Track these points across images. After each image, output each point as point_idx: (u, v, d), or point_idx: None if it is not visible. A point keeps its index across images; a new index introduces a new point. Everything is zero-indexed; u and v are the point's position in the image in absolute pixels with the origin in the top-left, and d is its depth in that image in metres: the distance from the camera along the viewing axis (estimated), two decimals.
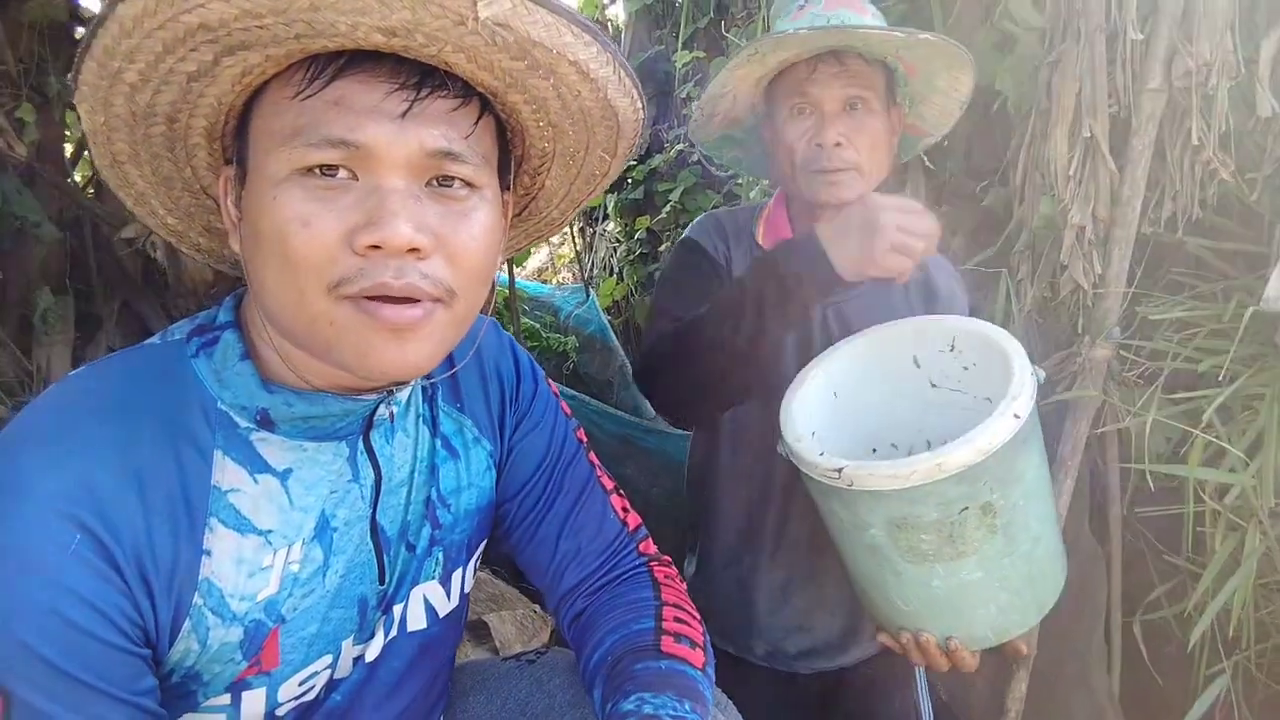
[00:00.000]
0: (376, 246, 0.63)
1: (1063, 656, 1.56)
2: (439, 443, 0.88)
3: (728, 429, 1.39)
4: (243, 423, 0.72)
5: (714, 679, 0.88)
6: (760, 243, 1.36)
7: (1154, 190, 1.45)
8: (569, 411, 1.02)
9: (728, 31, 3.47)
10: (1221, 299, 1.43)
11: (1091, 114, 1.41)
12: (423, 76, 0.65)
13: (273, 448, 0.74)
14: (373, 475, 0.80)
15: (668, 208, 4.07)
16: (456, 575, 0.91)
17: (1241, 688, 1.46)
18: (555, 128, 0.75)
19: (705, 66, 3.75)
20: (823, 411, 1.17)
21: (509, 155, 0.78)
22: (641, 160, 4.25)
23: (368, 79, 0.64)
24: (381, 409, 0.78)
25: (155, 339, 0.76)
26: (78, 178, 2.48)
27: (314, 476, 0.76)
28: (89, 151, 0.71)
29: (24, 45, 2.08)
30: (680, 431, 2.78)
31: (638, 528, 1.00)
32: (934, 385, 1.22)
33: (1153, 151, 1.40)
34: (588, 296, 4.18)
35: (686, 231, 1.42)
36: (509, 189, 0.79)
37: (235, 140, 0.71)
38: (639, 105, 0.75)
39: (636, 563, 0.97)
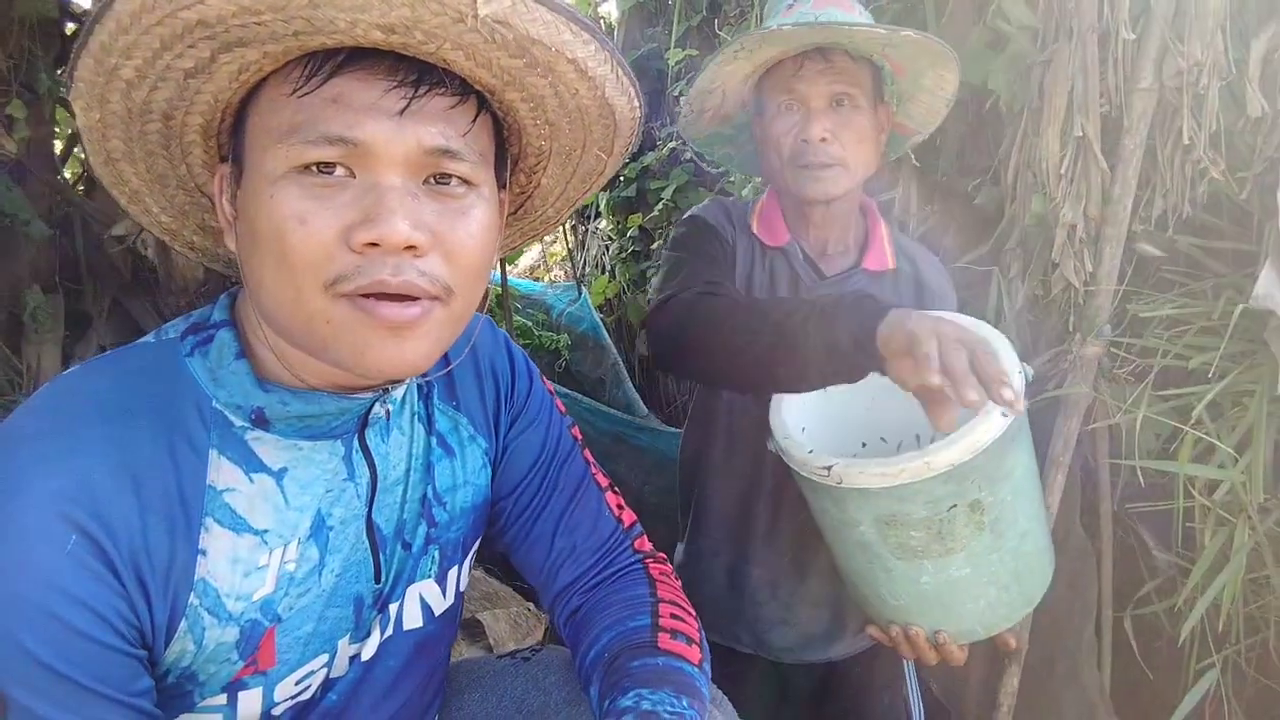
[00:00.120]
0: (374, 244, 0.63)
1: (1054, 652, 1.57)
2: (434, 441, 0.88)
3: (721, 422, 1.39)
4: (238, 422, 0.72)
5: (710, 675, 0.88)
6: (756, 233, 1.37)
7: (1145, 189, 1.46)
8: (564, 409, 1.02)
9: (720, 29, 3.47)
10: (1211, 296, 1.44)
11: (1083, 113, 1.42)
12: (421, 74, 0.65)
13: (268, 447, 0.73)
14: (368, 474, 0.80)
15: (660, 206, 4.07)
16: (452, 573, 0.91)
17: (1231, 682, 1.47)
18: (552, 126, 0.75)
19: (698, 64, 3.75)
20: (813, 408, 1.18)
21: (505, 153, 0.78)
22: (634, 158, 4.24)
23: (366, 76, 0.64)
24: (377, 407, 0.78)
25: (149, 338, 0.75)
26: (68, 175, 2.46)
27: (309, 475, 0.76)
28: (81, 149, 0.71)
29: (14, 41, 2.06)
30: (672, 429, 2.78)
31: (633, 525, 1.00)
32: None
33: (1144, 150, 1.41)
34: (580, 294, 4.17)
35: (694, 210, 1.39)
36: (505, 187, 0.79)
37: (231, 138, 0.71)
38: (636, 104, 0.75)
39: (632, 560, 0.98)
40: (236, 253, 0.71)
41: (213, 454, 0.70)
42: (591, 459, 1.01)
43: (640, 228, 4.27)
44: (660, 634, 0.87)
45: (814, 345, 0.97)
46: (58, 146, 2.37)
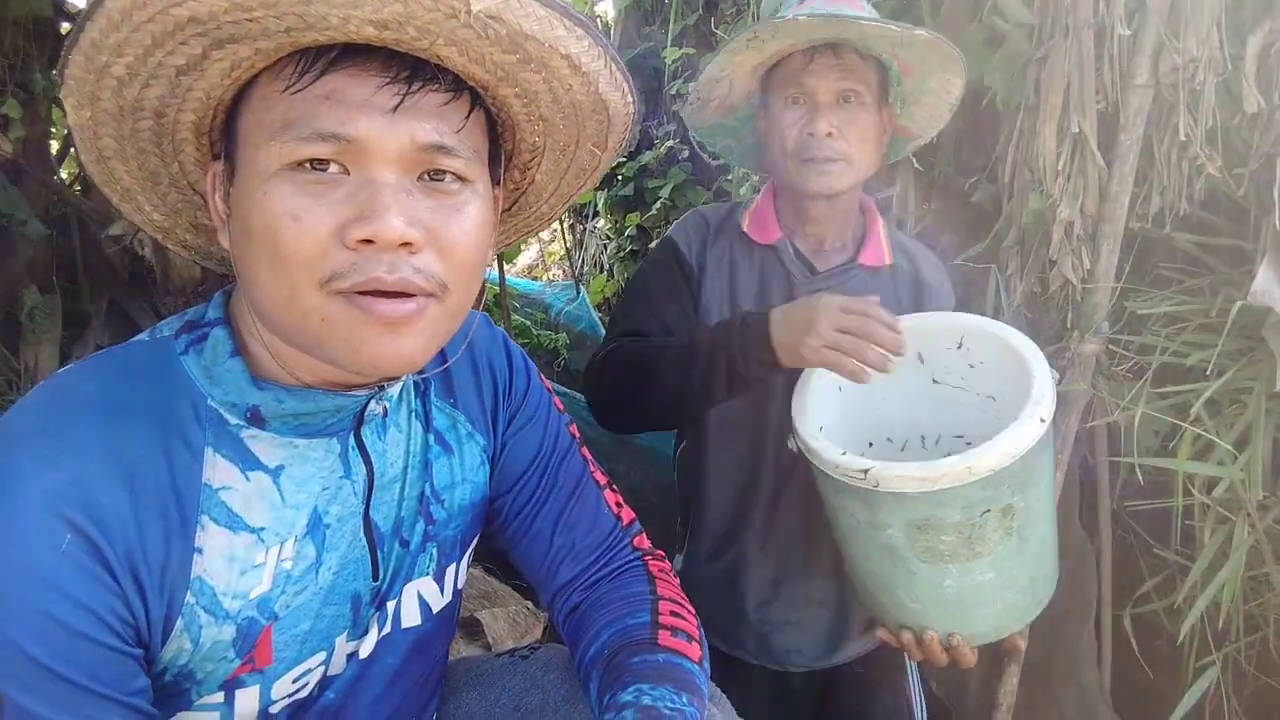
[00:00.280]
0: (369, 240, 0.63)
1: (1053, 650, 1.57)
2: (432, 438, 0.87)
3: (715, 426, 1.39)
4: (233, 420, 0.72)
5: (710, 673, 0.88)
6: (746, 231, 1.37)
7: (1142, 185, 1.45)
8: (562, 407, 1.02)
9: (717, 28, 3.47)
10: (1209, 293, 1.44)
11: (1080, 110, 1.42)
12: (414, 70, 0.65)
13: (264, 445, 0.73)
14: (365, 471, 0.80)
15: (658, 204, 4.07)
16: (450, 571, 0.91)
17: (1231, 680, 1.47)
18: (546, 121, 0.75)
19: (695, 63, 3.75)
20: (830, 406, 1.17)
21: (499, 150, 0.78)
22: (631, 157, 4.25)
23: (359, 73, 0.64)
24: (373, 405, 0.78)
25: (144, 336, 0.75)
26: (64, 174, 2.46)
27: (306, 473, 0.76)
28: (75, 148, 0.70)
29: (8, 40, 2.05)
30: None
31: (631, 522, 1.00)
32: (936, 381, 1.22)
33: (1140, 147, 1.41)
34: (578, 293, 4.18)
35: (670, 230, 1.45)
36: (499, 183, 0.78)
37: (223, 135, 0.70)
38: (630, 99, 0.75)
39: (631, 557, 0.97)
40: (230, 251, 0.70)
41: (208, 452, 0.70)
42: (589, 456, 1.01)
43: (638, 226, 4.28)
44: (660, 631, 0.87)
45: (717, 366, 1.15)
46: (54, 146, 2.36)
